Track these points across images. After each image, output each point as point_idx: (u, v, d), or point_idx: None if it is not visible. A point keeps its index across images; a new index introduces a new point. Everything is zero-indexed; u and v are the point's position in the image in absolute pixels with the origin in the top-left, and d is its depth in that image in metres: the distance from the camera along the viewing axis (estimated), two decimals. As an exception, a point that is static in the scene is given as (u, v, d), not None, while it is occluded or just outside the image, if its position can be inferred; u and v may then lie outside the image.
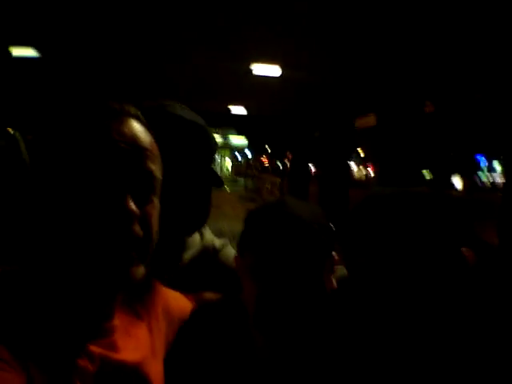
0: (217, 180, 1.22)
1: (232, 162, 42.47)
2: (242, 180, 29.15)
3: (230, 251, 1.26)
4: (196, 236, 1.24)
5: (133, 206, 0.71)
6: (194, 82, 10.65)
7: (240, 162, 43.30)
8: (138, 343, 0.82)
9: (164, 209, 1.03)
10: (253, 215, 0.97)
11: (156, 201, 0.78)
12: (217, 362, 0.96)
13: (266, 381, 0.91)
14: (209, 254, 1.23)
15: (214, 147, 1.23)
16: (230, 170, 42.35)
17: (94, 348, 0.73)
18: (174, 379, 0.98)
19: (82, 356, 0.71)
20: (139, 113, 0.79)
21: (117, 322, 0.79)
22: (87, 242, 0.69)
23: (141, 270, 0.74)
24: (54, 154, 0.72)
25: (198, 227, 1.21)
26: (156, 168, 0.78)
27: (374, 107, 9.48)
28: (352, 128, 11.07)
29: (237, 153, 41.83)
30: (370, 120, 10.50)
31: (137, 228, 0.72)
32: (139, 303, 0.88)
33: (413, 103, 7.42)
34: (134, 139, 0.75)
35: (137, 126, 0.77)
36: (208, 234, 1.27)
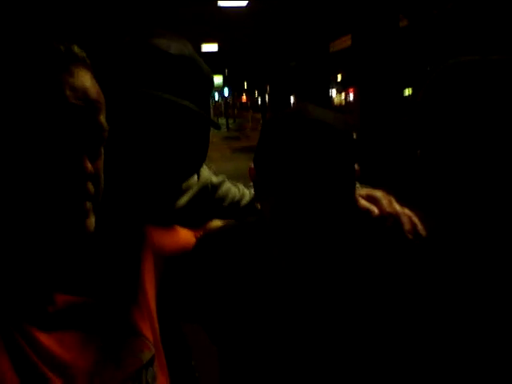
0: (212, 121, 1.13)
1: (210, 102, 41.66)
2: (222, 120, 28.79)
3: (229, 186, 1.26)
4: (193, 176, 1.22)
5: (89, 165, 0.71)
6: (158, 21, 10.25)
7: (219, 101, 42.57)
8: (105, 286, 0.82)
9: (162, 152, 1.02)
10: (271, 124, 0.89)
11: (102, 152, 0.77)
12: (231, 279, 0.97)
13: (282, 295, 0.92)
14: (207, 191, 1.22)
15: (207, 80, 1.11)
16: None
17: (55, 294, 0.74)
18: (184, 302, 1.03)
19: (43, 301, 0.72)
20: (85, 55, 0.75)
21: (79, 269, 0.80)
22: (42, 200, 0.69)
23: (93, 221, 0.75)
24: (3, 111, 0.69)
25: (198, 168, 1.18)
26: (104, 118, 0.76)
27: (347, 28, 9.24)
28: (327, 53, 10.84)
29: (215, 94, 41.05)
30: (344, 42, 10.26)
31: (90, 186, 0.73)
32: (117, 248, 0.89)
33: (386, 18, 7.22)
34: (85, 92, 0.72)
35: (86, 76, 0.73)
36: (205, 172, 1.25)
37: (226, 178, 1.29)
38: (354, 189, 0.90)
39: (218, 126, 1.16)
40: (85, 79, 0.73)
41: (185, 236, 1.07)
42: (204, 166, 1.27)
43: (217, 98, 42.58)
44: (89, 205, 0.73)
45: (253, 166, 0.93)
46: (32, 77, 0.69)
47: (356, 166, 0.88)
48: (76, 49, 0.74)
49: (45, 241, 0.73)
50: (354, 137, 0.89)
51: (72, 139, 0.70)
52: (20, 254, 0.73)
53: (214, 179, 1.25)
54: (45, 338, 0.69)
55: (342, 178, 0.83)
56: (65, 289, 0.76)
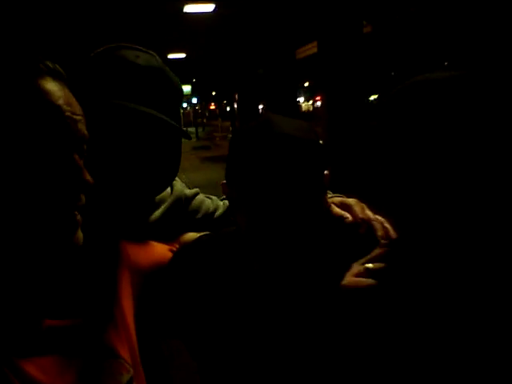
0: (184, 132, 1.11)
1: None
2: (192, 129, 28.70)
3: (202, 199, 1.25)
4: (167, 189, 1.20)
5: (88, 176, 0.74)
6: (125, 30, 10.18)
7: (187, 109, 42.45)
8: (82, 307, 0.81)
9: (134, 165, 1.00)
10: (237, 139, 0.89)
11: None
12: (209, 291, 0.96)
13: (261, 306, 0.92)
14: (180, 204, 1.20)
15: (176, 91, 1.09)
16: (178, 120, 41.43)
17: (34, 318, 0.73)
18: (163, 316, 1.01)
19: (24, 326, 0.71)
20: (61, 70, 0.76)
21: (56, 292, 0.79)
22: (34, 211, 0.69)
23: (81, 235, 0.75)
24: None
25: (171, 181, 1.16)
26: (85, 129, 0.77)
27: (312, 35, 9.37)
28: (293, 60, 10.96)
29: (184, 103, 40.87)
30: (310, 49, 10.39)
31: (82, 197, 0.74)
32: (93, 267, 0.88)
33: (350, 25, 7.35)
34: (75, 107, 0.74)
35: (68, 90, 0.75)
36: (178, 185, 1.24)
37: (199, 190, 1.28)
38: (324, 195, 0.92)
39: (188, 136, 1.15)
40: (70, 93, 0.75)
41: (160, 250, 1.06)
42: (177, 179, 1.25)
43: (185, 106, 42.46)
44: (79, 217, 0.74)
45: (224, 181, 0.93)
46: (21, 90, 0.69)
47: (326, 172, 0.89)
48: (52, 64, 0.75)
49: (34, 258, 0.72)
50: (321, 143, 0.89)
51: (68, 149, 0.72)
52: (8, 275, 0.72)
53: (188, 192, 1.24)
54: (27, 366, 0.69)
55: (311, 186, 0.85)
56: (44, 312, 0.74)
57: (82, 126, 0.75)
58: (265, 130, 0.84)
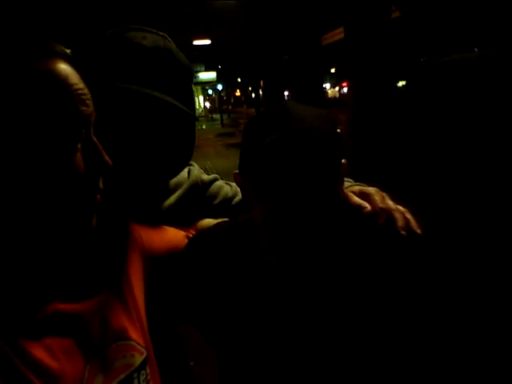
0: (192, 115, 1.08)
1: (204, 98, 41.62)
2: (217, 116, 28.69)
3: (221, 185, 1.24)
4: (183, 174, 1.21)
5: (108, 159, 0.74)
6: (150, 16, 10.19)
7: (212, 96, 42.41)
8: (92, 291, 0.81)
9: (145, 149, 1.00)
10: (252, 128, 0.86)
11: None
12: (223, 280, 0.96)
13: (276, 296, 0.91)
14: (197, 189, 1.20)
15: (186, 72, 1.06)
16: (203, 107, 41.58)
17: (43, 301, 0.73)
18: (177, 303, 1.02)
19: (31, 310, 0.71)
20: (68, 51, 0.76)
21: (66, 275, 0.78)
22: (55, 193, 0.69)
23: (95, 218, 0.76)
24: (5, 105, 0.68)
25: (185, 164, 1.16)
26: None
27: (339, 20, 9.21)
28: (320, 46, 10.81)
29: (209, 90, 40.89)
30: (337, 35, 10.23)
31: (104, 154, 0.75)
32: (104, 251, 0.88)
33: (378, 10, 7.20)
34: (83, 87, 0.74)
35: (74, 70, 0.74)
36: (195, 171, 1.24)
37: (218, 176, 1.27)
38: (340, 185, 0.88)
39: (195, 118, 1.11)
40: (77, 74, 0.74)
41: (175, 236, 1.06)
42: (194, 164, 1.26)
43: (210, 93, 42.44)
44: (98, 199, 0.74)
45: (237, 171, 0.92)
46: (31, 71, 0.68)
47: (343, 161, 0.87)
48: (59, 47, 0.74)
49: (49, 237, 0.73)
50: (338, 131, 0.86)
51: (75, 123, 0.71)
52: (19, 255, 0.72)
53: (205, 177, 1.24)
54: (32, 347, 0.68)
55: (328, 176, 0.82)
56: (54, 295, 0.74)
57: (91, 104, 0.74)
58: (282, 120, 0.81)
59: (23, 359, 0.66)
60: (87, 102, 0.73)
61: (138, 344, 0.83)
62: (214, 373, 1.02)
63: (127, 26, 1.05)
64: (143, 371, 0.81)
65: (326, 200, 0.82)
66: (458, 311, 0.77)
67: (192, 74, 1.11)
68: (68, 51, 0.75)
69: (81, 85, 0.73)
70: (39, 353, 0.69)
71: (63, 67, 0.72)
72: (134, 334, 0.83)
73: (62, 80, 0.70)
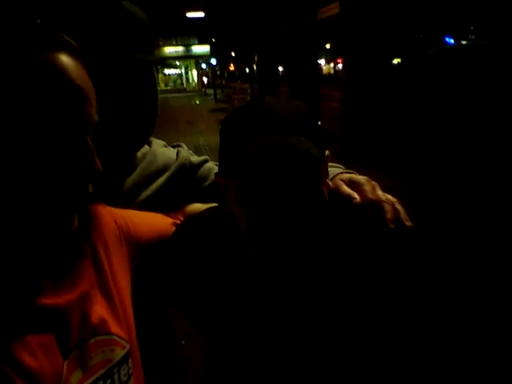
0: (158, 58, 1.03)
1: (198, 72, 41.16)
2: (211, 90, 28.41)
3: (211, 166, 1.21)
4: (171, 156, 1.19)
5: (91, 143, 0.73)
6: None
7: (206, 71, 41.93)
8: (72, 283, 0.79)
9: (108, 118, 0.92)
10: (229, 126, 0.83)
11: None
12: (210, 269, 0.95)
13: (269, 294, 0.89)
14: (185, 171, 1.18)
15: (135, 23, 1.01)
16: (196, 81, 41.16)
17: (22, 296, 0.71)
18: (164, 291, 1.01)
19: (11, 304, 0.70)
20: (74, 44, 0.74)
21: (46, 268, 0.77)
22: (44, 182, 0.69)
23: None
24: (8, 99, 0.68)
25: (151, 123, 1.08)
26: (94, 111, 0.75)
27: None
28: (315, 20, 10.66)
29: (203, 63, 40.39)
30: (332, 9, 10.08)
31: (97, 161, 0.73)
32: (82, 239, 0.85)
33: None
34: (85, 81, 0.73)
35: (80, 65, 0.74)
36: (184, 152, 1.21)
37: (208, 158, 1.24)
38: (324, 182, 0.85)
39: (151, 63, 1.06)
40: (81, 71, 0.73)
41: (162, 223, 1.04)
42: (183, 146, 1.24)
43: (204, 67, 41.94)
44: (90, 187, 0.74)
45: (217, 172, 0.90)
46: (34, 65, 0.68)
47: (327, 152, 0.85)
48: (64, 37, 0.73)
49: (30, 233, 0.72)
50: (319, 124, 0.83)
51: (75, 124, 0.70)
52: (11, 250, 0.72)
53: (194, 159, 1.21)
54: (14, 346, 0.67)
55: (310, 184, 0.80)
56: (36, 289, 0.73)
57: (93, 111, 0.74)
58: (259, 123, 0.77)
59: (7, 360, 0.66)
60: (92, 101, 0.73)
61: (120, 338, 0.81)
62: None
63: None
64: (124, 365, 0.80)
65: (309, 205, 0.80)
66: (451, 308, 0.76)
67: (144, 24, 1.04)
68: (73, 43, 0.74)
69: (89, 88, 0.73)
70: (20, 352, 0.68)
71: (73, 64, 0.71)
72: (116, 328, 0.81)
73: (67, 79, 0.70)
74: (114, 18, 0.98)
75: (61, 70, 0.69)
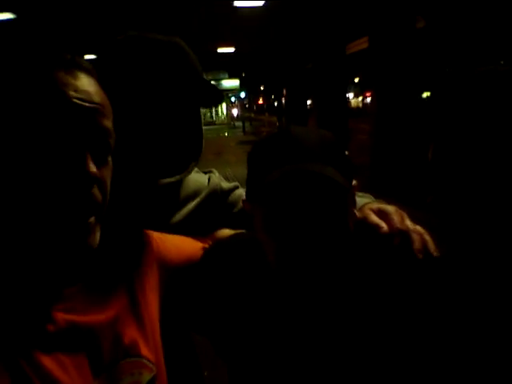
0: (214, 94, 1.07)
1: (227, 105, 41.89)
2: (239, 123, 28.83)
3: (241, 193, 1.22)
4: (203, 181, 1.21)
5: (93, 167, 0.69)
6: (175, 24, 10.32)
7: (235, 104, 42.65)
8: (106, 304, 0.79)
9: (153, 140, 0.99)
10: (255, 154, 0.85)
11: (110, 161, 0.75)
12: (237, 296, 0.95)
13: (288, 313, 0.89)
14: (216, 196, 1.19)
15: (193, 65, 1.06)
16: (225, 114, 41.84)
17: (56, 313, 0.71)
18: (190, 314, 1.01)
19: (44, 321, 0.70)
20: (91, 66, 0.75)
21: (80, 286, 0.77)
22: (44, 208, 0.67)
23: (97, 237, 0.73)
24: (4, 112, 0.68)
25: (196, 156, 1.13)
26: (111, 125, 0.74)
27: (364, 30, 9.19)
28: (344, 55, 10.79)
29: (232, 97, 41.17)
30: (361, 44, 10.20)
31: (96, 192, 0.70)
32: (119, 261, 0.86)
33: (403, 20, 7.16)
34: (88, 94, 0.71)
35: (90, 81, 0.73)
36: (215, 178, 1.23)
37: (238, 184, 1.26)
38: (351, 212, 0.85)
39: (219, 97, 1.09)
40: (88, 83, 0.72)
41: (192, 246, 1.05)
42: (215, 172, 1.25)
43: (233, 101, 42.68)
44: (92, 219, 0.71)
45: (245, 198, 0.91)
46: (35, 78, 0.68)
47: (354, 182, 0.85)
48: (82, 59, 0.74)
49: (46, 255, 0.71)
50: (346, 154, 0.84)
51: (75, 138, 0.68)
52: (21, 268, 0.71)
53: (225, 185, 1.23)
54: (45, 360, 0.68)
55: (336, 213, 0.80)
56: (66, 307, 0.73)
57: (102, 119, 0.72)
58: (285, 151, 0.79)
59: (36, 372, 0.66)
60: (103, 119, 0.72)
61: (149, 361, 0.81)
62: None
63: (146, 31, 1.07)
64: None
65: (331, 232, 0.80)
66: (472, 333, 0.75)
67: (198, 67, 1.09)
68: (89, 65, 0.74)
69: (105, 101, 0.73)
70: (51, 366, 0.68)
71: (88, 82, 0.72)
72: (145, 350, 0.81)
73: (86, 92, 0.70)
74: (181, 67, 1.03)
75: (83, 88, 0.70)
